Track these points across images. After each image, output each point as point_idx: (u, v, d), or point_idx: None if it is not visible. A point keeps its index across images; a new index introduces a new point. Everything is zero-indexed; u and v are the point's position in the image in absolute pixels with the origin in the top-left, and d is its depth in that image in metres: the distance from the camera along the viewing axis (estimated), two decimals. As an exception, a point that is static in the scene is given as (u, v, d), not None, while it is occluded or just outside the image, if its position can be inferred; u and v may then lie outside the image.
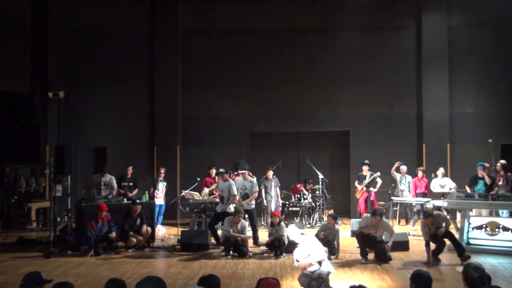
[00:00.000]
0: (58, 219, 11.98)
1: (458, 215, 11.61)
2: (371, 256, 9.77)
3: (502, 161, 12.33)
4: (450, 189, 13.37)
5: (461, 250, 9.36)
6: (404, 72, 16.36)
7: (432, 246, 9.44)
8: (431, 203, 13.19)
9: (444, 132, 15.84)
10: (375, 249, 9.74)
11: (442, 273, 8.66)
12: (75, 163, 14.04)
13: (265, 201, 13.90)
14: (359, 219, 11.03)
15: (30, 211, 14.13)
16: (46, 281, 4.88)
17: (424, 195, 13.55)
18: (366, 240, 9.73)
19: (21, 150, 10.70)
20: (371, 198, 13.49)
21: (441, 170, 13.80)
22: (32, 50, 16.02)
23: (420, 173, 13.89)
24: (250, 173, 13.59)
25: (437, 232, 9.40)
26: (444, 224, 9.56)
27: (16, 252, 10.74)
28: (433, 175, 14.12)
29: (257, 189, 11.56)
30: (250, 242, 10.79)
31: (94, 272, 8.96)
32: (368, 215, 10.23)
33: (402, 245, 10.62)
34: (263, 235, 11.87)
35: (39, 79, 15.83)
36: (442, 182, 13.62)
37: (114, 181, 12.72)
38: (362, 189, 13.74)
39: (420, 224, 10.19)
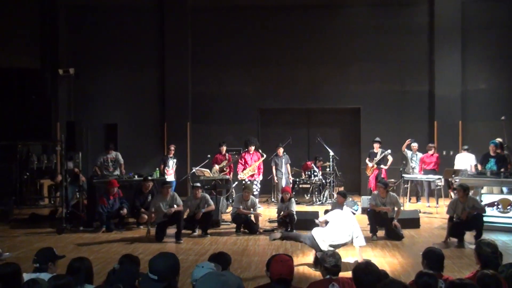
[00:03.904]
0: (70, 195, 12.06)
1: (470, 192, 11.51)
2: (381, 233, 9.76)
3: (499, 139, 12.25)
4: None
5: (480, 235, 9.14)
6: (416, 48, 16.14)
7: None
8: (441, 180, 13.14)
9: (456, 109, 15.67)
10: (386, 226, 9.73)
11: (454, 250, 8.63)
12: (86, 140, 14.12)
13: (275, 178, 13.92)
14: (369, 196, 11.01)
15: (42, 187, 14.24)
16: (59, 256, 4.92)
17: (434, 171, 13.46)
18: (377, 217, 9.72)
19: (32, 127, 10.74)
20: (382, 176, 13.44)
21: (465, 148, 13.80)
22: (42, 27, 16.00)
23: (432, 150, 13.77)
24: (260, 150, 13.64)
25: (461, 215, 9.16)
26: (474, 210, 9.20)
27: (29, 228, 10.86)
28: (444, 152, 14.03)
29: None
30: (260, 219, 10.80)
31: (106, 248, 9.04)
32: (377, 192, 10.18)
33: (413, 222, 10.61)
34: (272, 211, 11.92)
35: (49, 56, 15.81)
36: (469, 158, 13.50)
37: (120, 156, 12.73)
38: (373, 166, 13.70)
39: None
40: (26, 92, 11.26)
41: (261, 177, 13.59)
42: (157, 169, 12.93)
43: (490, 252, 4.71)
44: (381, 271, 4.22)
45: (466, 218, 9.11)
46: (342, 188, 13.88)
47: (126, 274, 3.91)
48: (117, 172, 12.41)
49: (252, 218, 10.49)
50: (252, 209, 10.50)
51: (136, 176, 11.92)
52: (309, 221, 10.53)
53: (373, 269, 4.05)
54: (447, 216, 9.48)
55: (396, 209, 9.82)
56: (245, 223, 10.36)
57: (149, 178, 11.33)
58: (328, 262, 4.49)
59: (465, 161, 13.46)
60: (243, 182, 12.84)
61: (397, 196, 10.29)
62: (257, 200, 11.03)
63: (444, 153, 14.72)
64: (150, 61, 16.64)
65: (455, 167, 13.25)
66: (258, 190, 13.50)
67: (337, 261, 4.49)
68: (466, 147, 13.85)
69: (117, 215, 10.71)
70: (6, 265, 4.40)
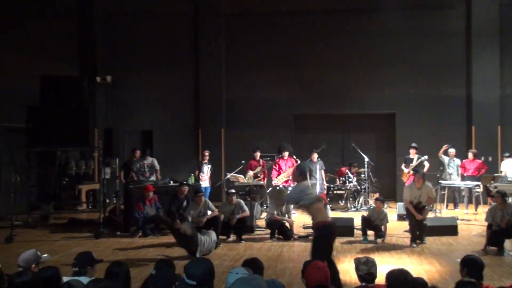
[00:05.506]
0: (107, 200, 12.26)
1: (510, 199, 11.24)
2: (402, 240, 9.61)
3: None
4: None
5: None
6: (453, 52, 15.86)
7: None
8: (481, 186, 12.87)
9: (495, 114, 15.33)
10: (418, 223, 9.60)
11: (493, 259, 8.43)
12: (123, 146, 14.32)
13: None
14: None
15: (80, 193, 14.51)
16: (97, 260, 5.01)
17: (474, 178, 13.19)
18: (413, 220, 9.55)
19: (71, 134, 10.93)
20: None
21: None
22: (80, 35, 16.40)
23: (470, 155, 13.54)
24: (294, 156, 13.59)
25: (501, 222, 8.92)
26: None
27: (68, 233, 11.09)
28: (483, 158, 13.81)
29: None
30: (294, 225, 10.76)
31: (142, 252, 9.15)
32: (413, 182, 10.03)
33: (451, 229, 10.42)
34: (306, 217, 11.83)
35: (87, 63, 16.17)
36: None
37: (156, 162, 12.86)
38: (409, 172, 13.50)
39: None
40: (64, 99, 11.48)
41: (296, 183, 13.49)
42: (192, 174, 13.03)
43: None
44: (418, 279, 4.15)
45: (505, 226, 8.89)
46: (377, 195, 13.71)
47: (163, 279, 3.95)
48: (153, 178, 12.55)
49: (287, 224, 10.47)
50: (286, 215, 10.48)
51: (171, 182, 12.03)
52: (343, 227, 10.48)
53: (408, 278, 3.98)
54: (486, 223, 9.27)
55: (429, 196, 9.72)
56: (280, 229, 10.34)
57: (184, 183, 11.40)
58: (361, 269, 4.42)
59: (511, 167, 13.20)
60: (277, 188, 12.82)
61: (430, 185, 10.08)
62: (291, 206, 10.99)
63: (483, 158, 14.38)
64: (184, 67, 16.82)
65: (503, 174, 12.99)
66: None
67: (369, 268, 4.41)
68: (507, 154, 13.57)
69: (153, 221, 10.82)
70: (46, 268, 4.50)
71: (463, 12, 15.84)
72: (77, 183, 14.59)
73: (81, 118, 11.11)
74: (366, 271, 4.40)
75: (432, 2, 16.04)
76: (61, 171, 14.14)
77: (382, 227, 9.98)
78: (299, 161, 13.51)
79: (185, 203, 10.99)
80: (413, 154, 13.55)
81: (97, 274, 4.92)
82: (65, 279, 4.65)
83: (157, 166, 12.87)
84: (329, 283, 4.06)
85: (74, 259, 4.89)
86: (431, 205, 9.79)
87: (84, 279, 4.63)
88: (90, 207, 14.59)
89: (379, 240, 9.86)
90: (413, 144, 13.67)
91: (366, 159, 14.00)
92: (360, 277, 4.45)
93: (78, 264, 4.86)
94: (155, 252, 9.10)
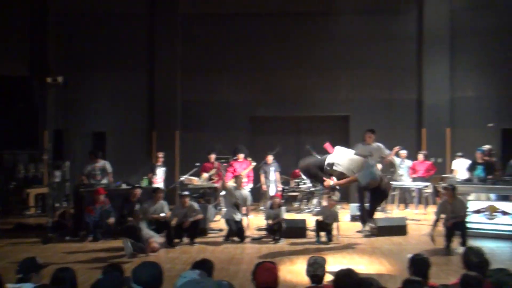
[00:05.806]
0: (57, 204, 11.93)
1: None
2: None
3: (487, 146, 12.33)
4: None
5: (465, 241, 9.18)
6: (405, 56, 16.22)
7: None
8: (430, 187, 13.18)
9: (445, 116, 15.76)
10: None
11: (441, 257, 8.62)
12: (74, 148, 14.00)
13: (264, 186, 13.88)
14: (358, 204, 10.95)
15: (29, 197, 14.11)
16: (42, 266, 4.87)
17: (423, 179, 13.50)
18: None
19: (19, 136, 10.65)
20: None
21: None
22: (31, 34, 15.93)
23: (420, 157, 13.84)
24: (250, 158, 13.59)
25: (447, 224, 9.13)
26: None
27: (14, 238, 10.71)
28: (433, 159, 14.12)
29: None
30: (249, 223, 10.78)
31: (92, 257, 8.96)
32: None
33: (400, 229, 10.63)
34: (261, 219, 11.86)
35: (38, 63, 15.72)
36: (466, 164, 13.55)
37: (108, 165, 12.61)
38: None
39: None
40: (13, 100, 11.17)
41: (251, 185, 13.49)
42: (145, 177, 12.82)
43: (477, 262, 4.69)
44: (365, 279, 4.19)
45: (451, 226, 9.11)
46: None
47: (109, 284, 3.86)
48: (105, 181, 12.31)
49: (244, 222, 10.45)
50: (244, 203, 10.58)
51: (124, 185, 11.83)
52: (295, 229, 10.54)
53: (355, 277, 4.03)
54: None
55: (382, 157, 10.14)
56: (237, 231, 10.29)
57: (137, 186, 11.24)
58: (307, 271, 4.51)
59: (463, 167, 13.48)
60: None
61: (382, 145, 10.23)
62: (249, 200, 10.96)
63: (433, 160, 14.72)
64: (139, 68, 16.57)
65: (454, 173, 13.29)
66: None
67: (315, 270, 4.49)
68: (460, 153, 13.88)
69: (104, 224, 10.61)
70: (-13, 276, 4.34)
71: (415, 17, 16.21)
72: (26, 186, 14.17)
73: (30, 119, 10.85)
74: (312, 272, 4.47)
75: (386, 7, 16.32)
76: (9, 175, 13.73)
77: (334, 224, 10.09)
78: (255, 163, 13.56)
79: (137, 206, 10.84)
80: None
81: (46, 280, 4.79)
82: (9, 286, 4.51)
83: (110, 169, 12.62)
84: (278, 285, 4.07)
85: (17, 265, 4.74)
86: (389, 157, 10.08)
87: (29, 286, 4.50)
88: (39, 211, 14.19)
89: (330, 242, 9.95)
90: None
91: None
92: (309, 277, 4.50)
93: (22, 271, 4.71)
94: (106, 256, 8.92)
